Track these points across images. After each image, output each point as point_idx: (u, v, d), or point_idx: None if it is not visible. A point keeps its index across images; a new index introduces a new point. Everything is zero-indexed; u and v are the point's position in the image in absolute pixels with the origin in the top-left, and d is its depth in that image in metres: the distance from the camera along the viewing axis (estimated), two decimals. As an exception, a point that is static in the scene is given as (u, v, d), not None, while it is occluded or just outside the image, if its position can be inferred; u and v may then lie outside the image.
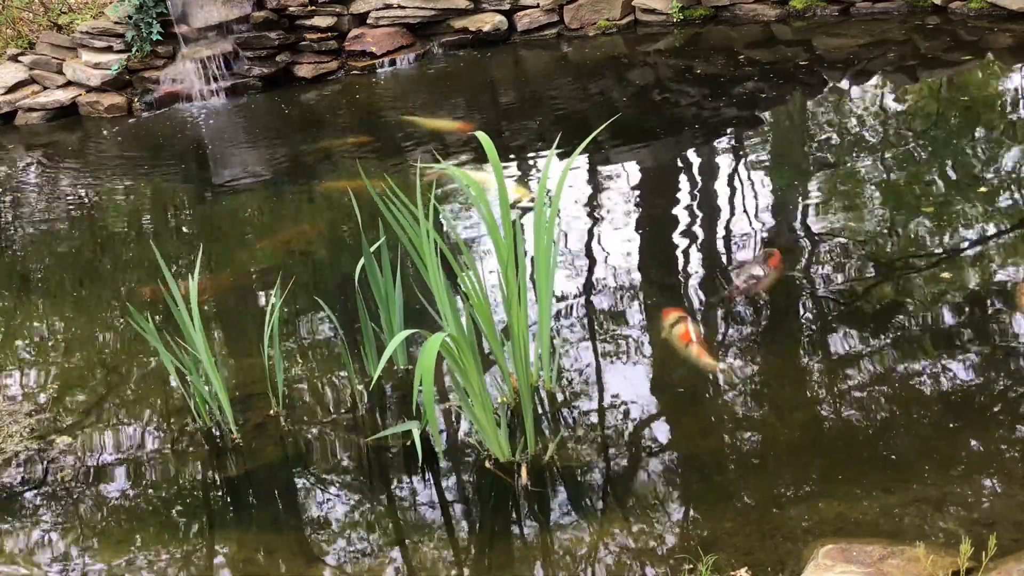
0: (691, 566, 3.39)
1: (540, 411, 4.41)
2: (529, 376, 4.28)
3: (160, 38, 10.13)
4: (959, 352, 4.40)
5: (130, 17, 10.02)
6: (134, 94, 10.32)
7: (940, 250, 5.31)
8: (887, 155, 6.67)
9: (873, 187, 6.19)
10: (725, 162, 7.00)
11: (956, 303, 4.78)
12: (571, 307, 5.24)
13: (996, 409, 4.02)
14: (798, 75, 8.44)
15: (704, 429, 4.18)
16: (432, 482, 4.11)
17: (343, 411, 4.67)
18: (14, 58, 10.58)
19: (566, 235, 6.03)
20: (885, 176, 6.38)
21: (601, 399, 4.48)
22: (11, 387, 5.22)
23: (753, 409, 4.25)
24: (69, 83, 10.40)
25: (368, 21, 10.49)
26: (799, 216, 6.00)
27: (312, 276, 6.09)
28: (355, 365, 4.80)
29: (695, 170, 7.02)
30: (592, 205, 6.60)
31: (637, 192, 6.76)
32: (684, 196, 6.62)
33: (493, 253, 4.44)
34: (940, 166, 6.41)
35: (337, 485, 4.21)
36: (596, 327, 5.04)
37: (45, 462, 4.52)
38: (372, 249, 4.57)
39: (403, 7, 10.39)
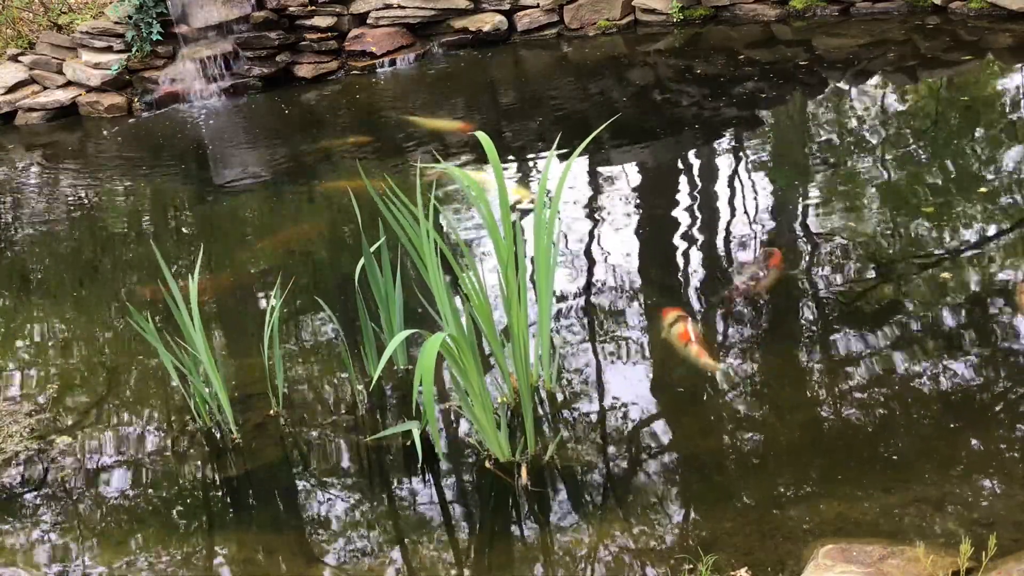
0: (691, 566, 3.39)
1: (540, 411, 4.41)
2: (529, 376, 4.28)
3: (160, 38, 10.13)
4: (959, 352, 4.40)
5: (130, 17, 10.02)
6: (134, 94, 10.32)
7: (940, 250, 5.31)
8: (887, 155, 6.67)
9: (873, 187, 6.19)
10: (725, 162, 7.00)
11: (956, 303, 4.78)
12: (571, 307, 5.24)
13: (996, 409, 4.02)
14: (798, 75, 8.45)
15: (704, 429, 4.18)
16: (432, 482, 4.11)
17: (343, 411, 4.67)
18: (14, 58, 10.58)
19: (566, 235, 6.04)
20: (885, 176, 6.38)
21: (601, 399, 4.48)
22: (11, 387, 5.22)
23: (753, 409, 4.25)
24: (69, 83, 10.40)
25: (368, 21, 10.49)
26: (799, 216, 6.00)
27: (312, 276, 6.09)
28: (355, 365, 4.80)
29: (695, 170, 7.03)
30: (592, 205, 6.60)
31: (637, 192, 6.76)
32: (684, 196, 6.62)
33: (493, 253, 4.44)
34: (940, 166, 6.42)
35: (337, 485, 4.21)
36: (596, 327, 5.04)
37: (45, 462, 4.52)
38: (372, 249, 4.57)
39: (403, 7, 10.40)
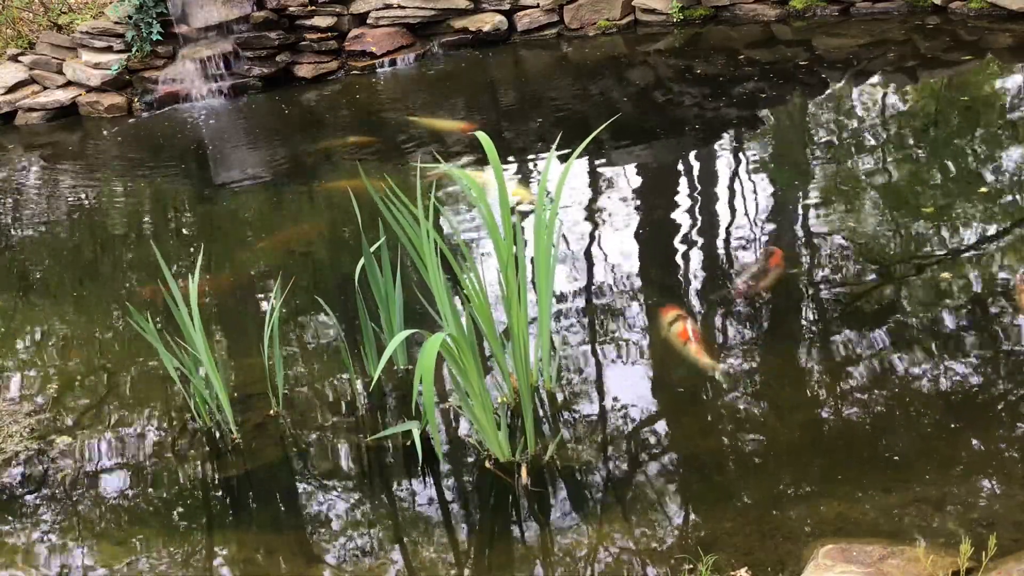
0: (691, 566, 3.39)
1: (540, 411, 4.41)
2: (529, 376, 4.28)
3: (160, 38, 10.13)
4: (959, 352, 4.40)
5: (130, 17, 10.02)
6: (134, 94, 10.32)
7: (940, 250, 5.31)
8: (887, 155, 6.67)
9: (873, 187, 6.19)
10: (725, 162, 7.00)
11: (956, 303, 4.78)
12: (571, 307, 5.24)
13: (996, 409, 4.02)
14: (798, 75, 8.44)
15: (704, 429, 4.18)
16: (432, 482, 4.11)
17: (343, 411, 4.67)
18: (14, 58, 10.58)
19: (566, 236, 6.04)
20: (885, 176, 6.38)
21: (601, 399, 4.48)
22: (11, 387, 5.22)
23: (753, 409, 4.25)
24: (69, 83, 10.40)
25: (368, 21, 10.49)
26: (799, 216, 6.00)
27: (312, 276, 6.09)
28: (355, 365, 4.80)
29: (695, 170, 7.03)
30: (592, 205, 6.60)
31: (637, 192, 6.76)
32: (684, 196, 6.62)
33: (493, 253, 4.44)
34: (940, 166, 6.42)
35: (337, 485, 4.21)
36: (596, 327, 5.04)
37: (45, 462, 4.52)
38: (372, 249, 4.57)
39: (403, 7, 10.39)
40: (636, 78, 9.07)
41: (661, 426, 4.28)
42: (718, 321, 4.98)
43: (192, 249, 6.65)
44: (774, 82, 8.35)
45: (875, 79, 8.17)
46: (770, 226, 5.93)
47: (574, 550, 3.64)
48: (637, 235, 6.06)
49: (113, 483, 4.37)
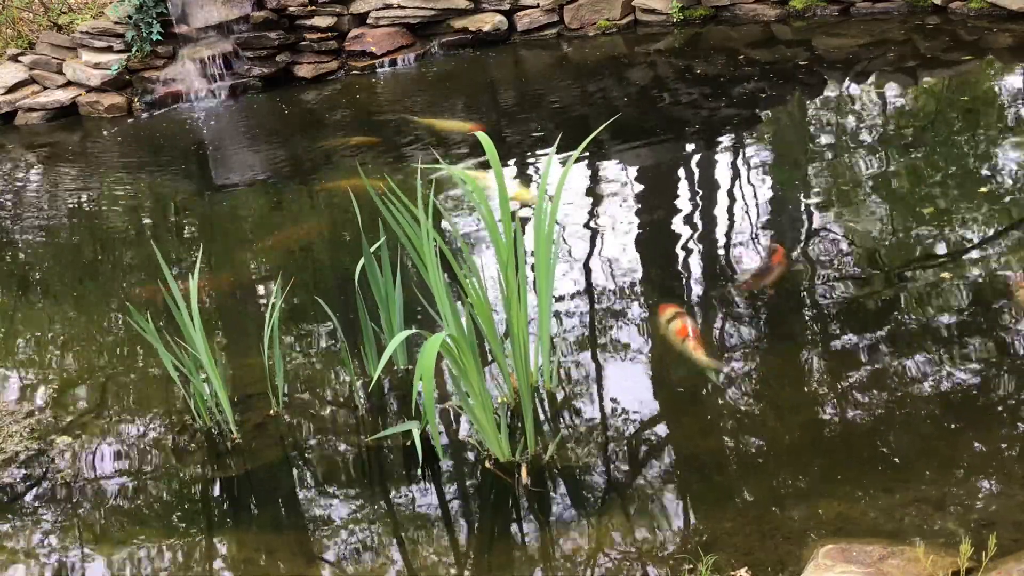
0: (691, 566, 3.39)
1: (540, 411, 4.41)
2: (529, 376, 4.28)
3: (160, 38, 10.13)
4: (959, 352, 4.40)
5: (130, 17, 10.02)
6: (134, 94, 10.32)
7: (940, 250, 5.31)
8: (887, 155, 6.67)
9: (873, 187, 6.20)
10: (725, 162, 7.00)
11: (956, 303, 4.78)
12: (571, 307, 5.24)
13: (996, 409, 4.02)
14: (798, 75, 8.45)
15: (704, 429, 4.18)
16: (432, 482, 4.11)
17: (343, 411, 4.67)
18: (14, 58, 10.58)
19: (566, 236, 6.03)
20: (885, 176, 6.38)
21: (601, 399, 4.48)
22: (11, 387, 5.22)
23: (753, 409, 4.25)
24: (69, 83, 10.40)
25: (368, 21, 10.49)
26: (799, 216, 6.00)
27: (312, 276, 6.09)
28: (355, 365, 4.80)
29: (695, 170, 7.03)
30: (592, 205, 6.59)
31: (637, 192, 6.76)
32: (684, 196, 6.62)
33: (493, 253, 4.44)
34: (940, 166, 6.41)
35: (337, 485, 4.21)
36: (596, 327, 5.04)
37: (45, 462, 4.52)
38: (372, 249, 4.57)
39: (403, 7, 10.40)
40: (636, 78, 9.07)
41: (661, 426, 4.28)
42: (718, 320, 4.98)
43: (192, 249, 6.65)
44: (774, 82, 8.35)
45: (875, 79, 8.17)
46: (770, 226, 5.93)
47: (574, 550, 3.64)
48: (637, 235, 6.06)
49: (113, 483, 4.37)
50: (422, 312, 4.71)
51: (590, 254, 5.85)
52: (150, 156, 9.08)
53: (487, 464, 4.06)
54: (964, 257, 5.21)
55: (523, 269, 4.19)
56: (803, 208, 6.08)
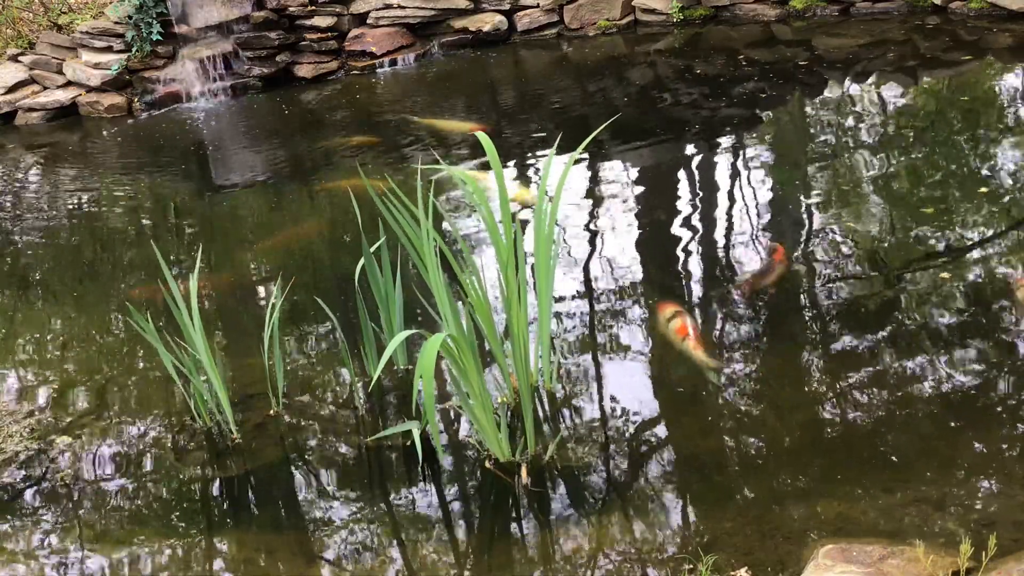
0: (691, 566, 3.39)
1: (540, 411, 4.41)
2: (529, 376, 4.28)
3: (160, 38, 10.13)
4: (959, 351, 4.40)
5: (130, 17, 10.02)
6: (134, 94, 10.32)
7: (940, 250, 5.31)
8: (887, 155, 6.67)
9: (873, 187, 6.20)
10: (725, 162, 7.00)
11: (956, 303, 4.78)
12: (571, 307, 5.24)
13: (996, 409, 4.02)
14: (798, 75, 8.45)
15: (704, 429, 4.18)
16: (432, 482, 4.11)
17: (343, 411, 4.67)
18: (14, 58, 10.58)
19: (566, 236, 6.03)
20: (885, 176, 6.38)
21: (601, 399, 4.48)
22: (11, 387, 5.22)
23: (753, 409, 4.25)
24: (69, 83, 10.40)
25: (368, 21, 10.50)
26: (799, 216, 6.00)
27: (312, 276, 6.09)
28: (355, 365, 4.80)
29: (695, 170, 7.02)
30: (593, 205, 6.60)
31: (637, 192, 6.76)
32: (684, 196, 6.62)
33: (493, 253, 4.44)
34: (940, 166, 6.41)
35: (337, 485, 4.21)
36: (596, 327, 5.04)
37: (45, 462, 4.52)
38: (372, 249, 4.57)
39: (403, 7, 10.40)
40: (636, 78, 9.07)
41: (661, 426, 4.28)
42: (718, 320, 4.98)
43: (192, 249, 6.65)
44: (774, 82, 8.35)
45: (875, 79, 8.17)
46: (770, 226, 5.93)
47: (574, 550, 3.64)
48: (637, 235, 6.06)
49: (113, 483, 4.37)
50: (422, 312, 4.71)
51: (590, 254, 5.85)
52: (150, 156, 9.08)
53: (487, 464, 4.06)
54: (964, 257, 5.21)
55: (523, 269, 4.19)
56: (803, 208, 6.08)
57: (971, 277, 4.99)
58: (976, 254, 5.22)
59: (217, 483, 4.33)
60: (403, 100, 9.57)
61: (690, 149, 7.36)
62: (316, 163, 8.21)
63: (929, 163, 6.47)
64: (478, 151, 5.84)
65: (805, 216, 5.98)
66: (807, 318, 4.90)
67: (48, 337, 5.81)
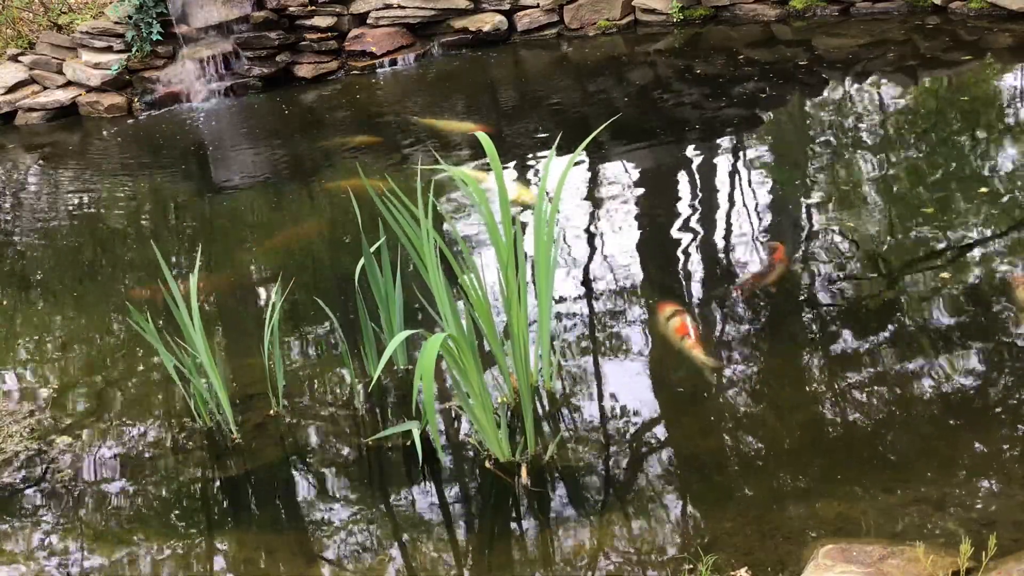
0: (691, 566, 3.39)
1: (540, 411, 4.41)
2: (529, 376, 4.28)
3: (160, 38, 10.14)
4: (959, 351, 4.40)
5: (130, 17, 10.02)
6: (134, 94, 10.32)
7: (940, 250, 5.31)
8: (887, 155, 6.67)
9: (873, 187, 6.20)
10: (725, 162, 7.00)
11: (956, 303, 4.78)
12: (571, 307, 5.24)
13: (996, 409, 4.02)
14: (798, 75, 8.45)
15: (704, 429, 4.18)
16: (432, 482, 4.11)
17: (343, 411, 4.67)
18: (14, 58, 10.58)
19: (566, 236, 6.04)
20: (885, 176, 6.38)
21: (601, 399, 4.48)
22: (11, 387, 5.22)
23: (753, 409, 4.25)
24: (69, 83, 10.41)
25: (368, 21, 10.50)
26: (799, 216, 6.00)
27: (312, 276, 6.09)
28: (355, 365, 4.80)
29: (695, 170, 7.02)
30: (593, 205, 6.60)
31: (637, 192, 6.76)
32: (684, 196, 6.62)
33: (493, 253, 4.44)
34: (940, 166, 6.41)
35: (337, 485, 4.21)
36: (596, 327, 5.04)
37: (45, 462, 4.52)
38: (372, 249, 4.57)
39: (403, 7, 10.40)
40: (636, 78, 9.07)
41: (661, 426, 4.28)
42: (718, 320, 4.98)
43: (192, 249, 6.65)
44: (774, 82, 8.35)
45: (875, 79, 8.17)
46: (770, 226, 5.93)
47: (574, 550, 3.64)
48: (637, 235, 6.06)
49: (113, 483, 4.37)
50: (422, 312, 4.71)
51: (590, 254, 5.85)
52: (150, 156, 9.08)
53: (487, 464, 4.06)
54: (964, 257, 5.21)
55: (524, 269, 4.19)
56: (803, 208, 6.08)
57: (971, 277, 4.99)
58: (976, 254, 5.22)
59: (217, 483, 4.33)
60: (403, 100, 9.58)
61: (690, 149, 7.36)
62: (316, 163, 8.21)
63: (929, 163, 6.47)
64: (479, 151, 5.85)
65: (805, 216, 5.98)
66: (807, 318, 4.90)
67: (48, 337, 5.81)
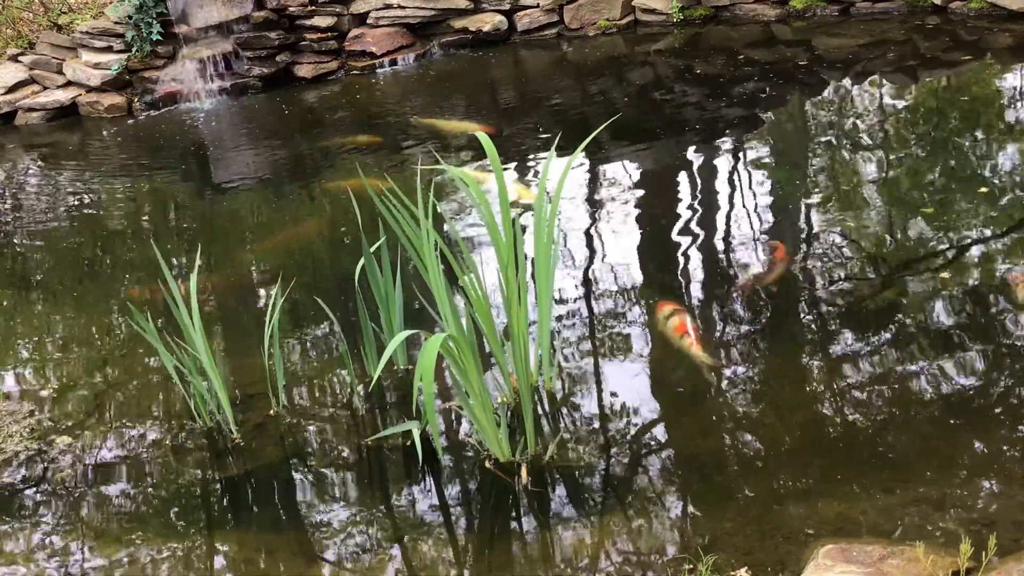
0: (691, 566, 3.39)
1: (540, 411, 4.41)
2: (529, 376, 4.28)
3: (160, 38, 10.13)
4: (959, 351, 4.40)
5: (130, 17, 10.02)
6: (134, 94, 10.32)
7: (941, 250, 5.31)
8: (887, 155, 6.67)
9: (873, 187, 6.20)
10: (725, 162, 7.00)
11: (956, 303, 4.78)
12: (571, 307, 5.24)
13: (996, 409, 4.02)
14: (798, 75, 8.44)
15: (704, 429, 4.18)
16: (432, 482, 4.11)
17: (343, 411, 4.67)
18: (14, 58, 10.58)
19: (566, 236, 6.04)
20: (885, 176, 6.38)
21: (601, 399, 4.48)
22: (11, 387, 5.22)
23: (753, 409, 4.25)
24: (69, 83, 10.41)
25: (368, 21, 10.50)
26: (800, 216, 6.00)
27: (312, 276, 6.09)
28: (355, 365, 4.80)
29: (695, 170, 7.02)
30: (593, 205, 6.60)
31: (637, 192, 6.76)
32: (684, 196, 6.62)
33: (493, 253, 4.43)
34: (940, 166, 6.42)
35: (337, 485, 4.21)
36: (596, 327, 5.04)
37: (45, 462, 4.52)
38: (372, 249, 4.57)
39: (403, 7, 10.40)
40: (636, 78, 9.07)
41: (661, 426, 4.28)
42: (719, 320, 4.98)
43: (192, 249, 6.65)
44: (774, 82, 8.35)
45: (875, 79, 8.17)
46: (770, 225, 5.93)
47: (574, 550, 3.64)
48: (637, 235, 6.06)
49: (113, 483, 4.37)
50: (422, 312, 4.71)
51: (590, 254, 5.85)
52: (150, 156, 9.08)
53: (487, 464, 4.06)
54: (964, 257, 5.21)
55: (524, 269, 4.19)
56: (803, 208, 6.08)
57: (971, 277, 4.99)
58: (976, 254, 5.22)
59: (217, 483, 4.33)
60: (403, 100, 9.57)
61: (690, 149, 7.36)
62: (316, 163, 8.21)
63: (929, 163, 6.47)
64: (479, 152, 5.85)
65: (805, 216, 5.98)
66: (807, 318, 4.90)
67: (48, 337, 5.81)
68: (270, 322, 4.50)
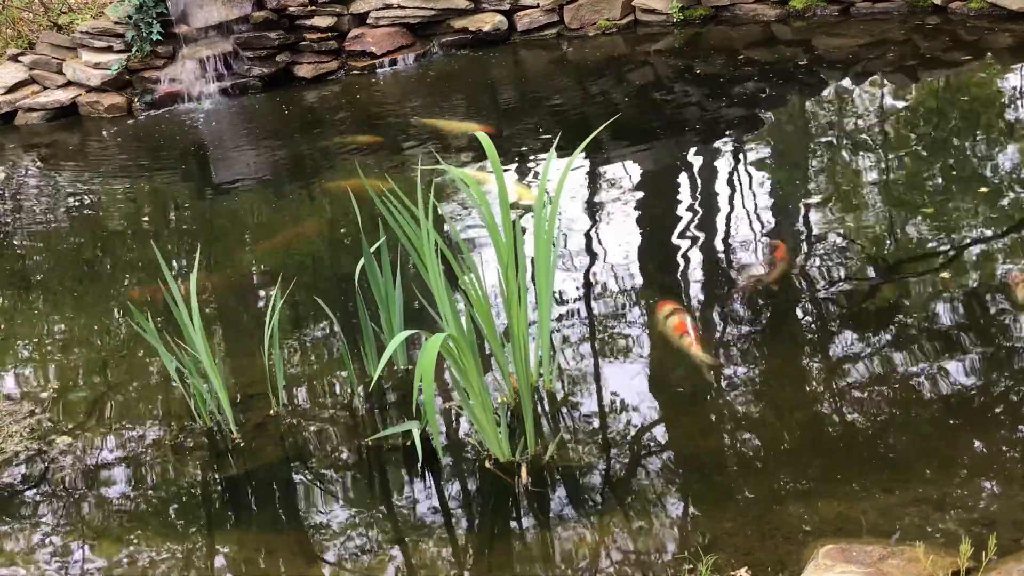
0: (691, 566, 3.39)
1: (540, 411, 4.41)
2: (529, 376, 4.28)
3: (160, 38, 10.13)
4: (959, 352, 4.40)
5: (130, 17, 10.02)
6: (134, 94, 10.32)
7: (941, 250, 5.31)
8: (887, 155, 6.67)
9: (873, 187, 6.20)
10: (725, 162, 7.00)
11: (956, 303, 4.78)
12: (571, 307, 5.24)
13: (996, 409, 4.02)
14: (798, 75, 8.45)
15: (704, 429, 4.18)
16: (432, 482, 4.11)
17: (343, 411, 4.67)
18: (14, 58, 10.58)
19: (566, 235, 6.04)
20: (885, 176, 6.38)
21: (601, 399, 4.48)
22: (11, 387, 5.22)
23: (753, 409, 4.25)
24: (69, 83, 10.40)
25: (368, 21, 10.50)
26: (800, 216, 6.00)
27: (312, 276, 6.09)
28: (355, 365, 4.80)
29: (695, 170, 7.02)
30: (593, 205, 6.60)
31: (637, 192, 6.76)
32: (684, 196, 6.62)
33: (493, 253, 4.44)
34: (940, 166, 6.42)
35: (337, 485, 4.21)
36: (596, 327, 5.04)
37: (45, 462, 4.52)
38: (372, 249, 4.57)
39: (403, 7, 10.40)
40: (636, 78, 9.07)
41: (661, 426, 4.28)
42: (719, 320, 4.98)
43: (192, 249, 6.65)
44: (774, 82, 8.35)
45: (875, 79, 8.17)
46: (770, 226, 5.93)
47: (574, 550, 3.64)
48: (638, 235, 6.06)
49: (113, 483, 4.37)
50: (422, 312, 4.71)
51: (590, 254, 5.85)
52: (150, 156, 9.08)
53: (487, 464, 4.06)
54: (964, 257, 5.22)
55: (524, 270, 4.19)
56: (803, 208, 6.08)
57: (971, 277, 4.99)
58: (976, 254, 5.22)
59: (217, 483, 4.33)
60: (403, 100, 9.57)
61: (690, 150, 7.36)
62: (316, 163, 8.21)
63: (929, 163, 6.47)
64: (479, 152, 5.85)
65: (805, 216, 5.97)
66: (807, 318, 4.90)
67: (48, 337, 5.81)
68: (270, 322, 4.50)
